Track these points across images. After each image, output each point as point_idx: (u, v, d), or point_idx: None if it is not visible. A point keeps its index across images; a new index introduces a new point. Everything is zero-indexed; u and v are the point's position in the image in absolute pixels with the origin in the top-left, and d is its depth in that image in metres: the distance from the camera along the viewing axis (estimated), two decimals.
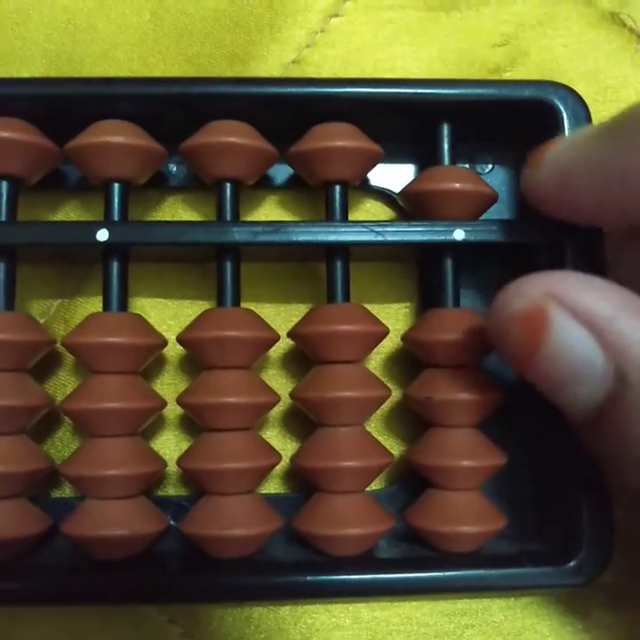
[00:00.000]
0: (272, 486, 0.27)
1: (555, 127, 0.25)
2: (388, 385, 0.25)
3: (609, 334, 0.17)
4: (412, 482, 0.26)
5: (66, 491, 0.26)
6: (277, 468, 0.25)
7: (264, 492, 0.27)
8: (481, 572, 0.23)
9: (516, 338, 0.19)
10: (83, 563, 0.23)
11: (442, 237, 0.24)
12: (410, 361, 0.27)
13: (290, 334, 0.25)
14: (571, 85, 0.26)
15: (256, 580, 0.23)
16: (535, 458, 0.26)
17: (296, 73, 0.28)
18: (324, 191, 0.26)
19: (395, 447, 0.27)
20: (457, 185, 0.25)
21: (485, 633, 0.26)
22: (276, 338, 0.25)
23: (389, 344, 0.27)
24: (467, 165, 0.28)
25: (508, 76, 0.29)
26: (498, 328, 0.19)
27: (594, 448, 0.20)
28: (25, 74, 0.28)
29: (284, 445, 0.27)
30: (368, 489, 0.25)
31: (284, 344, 0.27)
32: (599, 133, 0.19)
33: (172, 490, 0.26)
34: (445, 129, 0.26)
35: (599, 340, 0.17)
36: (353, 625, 0.25)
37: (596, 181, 0.19)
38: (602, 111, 0.28)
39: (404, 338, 0.26)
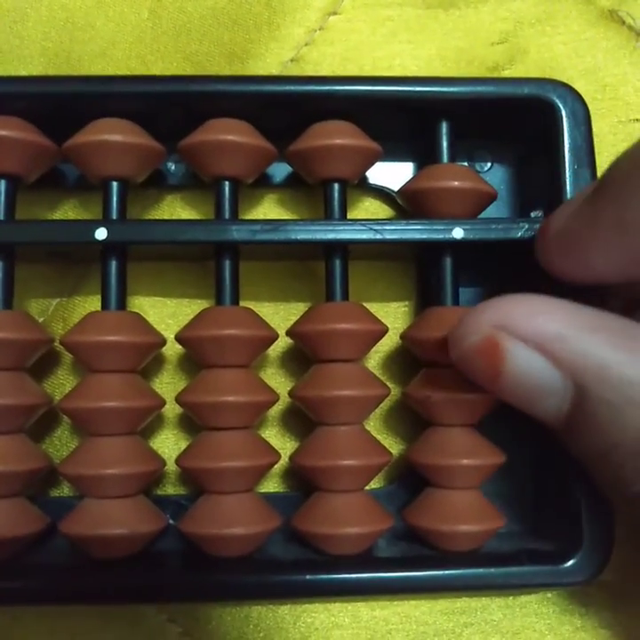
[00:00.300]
0: (271, 485, 0.27)
1: (554, 125, 0.25)
2: (387, 384, 0.25)
3: (559, 353, 0.19)
4: (411, 481, 0.26)
5: (64, 490, 0.26)
6: (276, 466, 0.25)
7: (263, 490, 0.26)
8: (480, 570, 0.23)
9: (476, 369, 0.20)
10: (81, 562, 0.23)
11: (441, 236, 0.24)
12: (409, 360, 0.27)
13: (289, 333, 0.25)
14: (570, 83, 0.26)
15: (255, 579, 0.23)
16: (534, 456, 0.26)
17: (295, 71, 0.28)
18: (322, 189, 0.26)
19: (394, 446, 0.27)
20: (456, 183, 0.25)
21: (484, 631, 0.26)
22: (274, 336, 0.25)
23: (388, 343, 0.27)
24: (466, 163, 0.28)
25: (506, 73, 0.29)
26: (459, 360, 0.21)
27: (573, 451, 0.21)
28: (23, 72, 0.28)
29: (283, 444, 0.27)
30: (367, 488, 0.25)
31: (283, 343, 0.27)
32: (593, 192, 0.19)
33: (171, 489, 0.26)
34: (444, 127, 0.26)
35: (552, 359, 0.19)
36: (352, 624, 0.25)
37: (597, 239, 0.19)
38: (601, 109, 0.28)
39: (402, 336, 0.26)
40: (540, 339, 0.19)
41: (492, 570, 0.24)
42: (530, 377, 0.19)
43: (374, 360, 0.27)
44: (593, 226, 0.19)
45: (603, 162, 0.25)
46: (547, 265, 0.21)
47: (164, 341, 0.25)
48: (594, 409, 0.18)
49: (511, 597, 0.26)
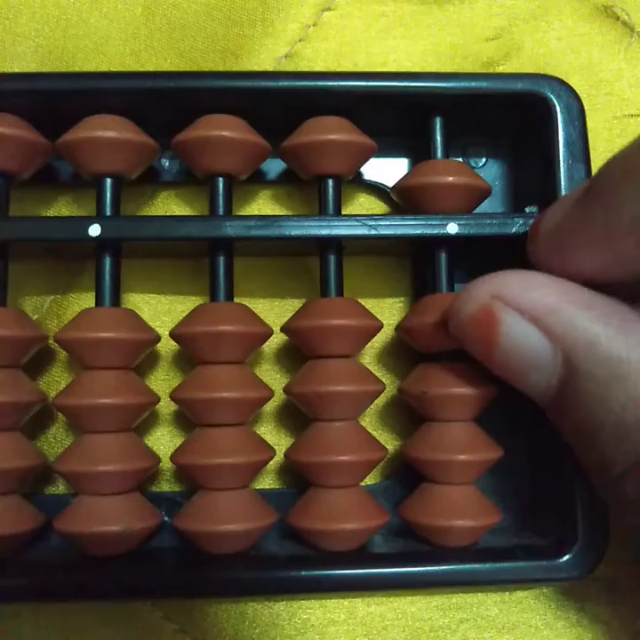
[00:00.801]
0: (266, 481, 0.27)
1: (548, 120, 0.25)
2: (382, 379, 0.25)
3: (552, 326, 0.19)
4: (407, 476, 0.26)
5: (59, 487, 0.26)
6: (271, 462, 0.25)
7: (258, 487, 0.26)
8: (476, 566, 0.23)
9: (472, 339, 0.21)
10: (76, 559, 0.23)
11: (435, 231, 0.24)
12: (404, 355, 0.27)
13: (283, 329, 0.25)
14: (564, 79, 0.26)
15: (250, 576, 0.23)
16: (530, 452, 0.26)
17: (289, 67, 0.28)
18: (317, 185, 0.26)
19: (389, 441, 0.27)
20: (450, 178, 0.25)
21: (480, 627, 0.26)
22: (269, 332, 0.25)
23: (383, 338, 0.27)
24: (460, 159, 0.28)
25: (501, 69, 0.29)
26: (456, 331, 0.21)
27: (561, 428, 0.21)
28: (16, 69, 0.28)
29: (279, 440, 0.27)
30: (362, 483, 0.25)
31: (278, 339, 0.27)
32: (583, 193, 0.20)
33: (165, 485, 0.26)
34: (439, 123, 0.26)
35: (545, 332, 0.19)
36: (348, 620, 0.25)
37: (585, 241, 0.19)
38: (596, 105, 0.28)
39: (397, 327, 0.26)
40: (534, 311, 0.19)
41: (488, 565, 0.24)
42: (522, 348, 0.20)
43: (369, 356, 0.27)
44: (581, 227, 0.19)
45: (597, 157, 0.25)
46: (536, 262, 0.22)
47: (158, 338, 0.25)
48: (581, 385, 0.19)
49: (507, 593, 0.26)
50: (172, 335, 0.25)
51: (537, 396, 0.20)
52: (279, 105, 0.25)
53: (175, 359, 0.27)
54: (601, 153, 0.27)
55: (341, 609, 0.26)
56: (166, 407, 0.27)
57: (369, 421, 0.27)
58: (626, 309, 0.19)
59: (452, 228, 0.24)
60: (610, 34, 0.29)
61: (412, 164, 0.28)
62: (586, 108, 0.25)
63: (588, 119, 0.25)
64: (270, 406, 0.27)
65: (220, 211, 0.25)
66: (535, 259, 0.22)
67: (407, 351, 0.26)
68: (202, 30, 0.28)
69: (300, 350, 0.25)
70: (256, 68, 0.28)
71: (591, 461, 0.20)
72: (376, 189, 0.28)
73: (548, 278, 0.20)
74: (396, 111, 0.26)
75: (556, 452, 0.24)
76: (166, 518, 0.25)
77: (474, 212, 0.26)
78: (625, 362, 0.18)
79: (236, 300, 0.25)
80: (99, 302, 0.24)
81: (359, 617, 0.26)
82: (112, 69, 0.28)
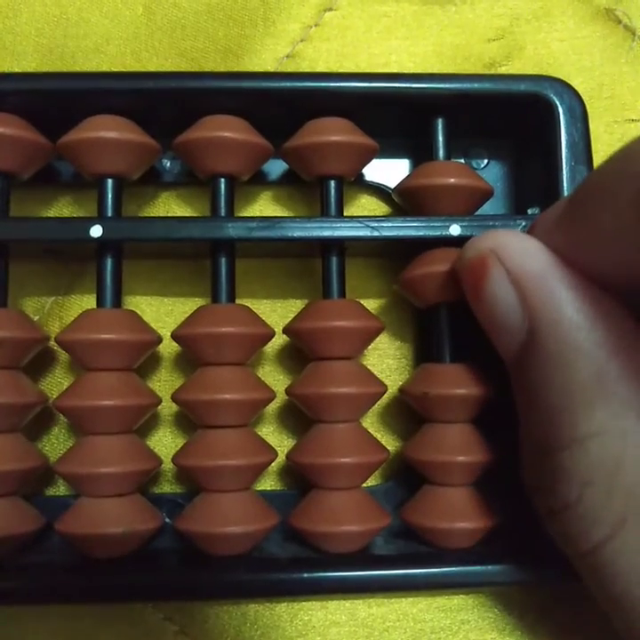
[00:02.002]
0: (268, 483, 0.27)
1: (550, 122, 0.25)
2: (384, 381, 0.25)
3: (528, 293, 0.20)
4: (408, 478, 0.26)
5: (60, 489, 0.26)
6: (273, 464, 0.25)
7: (260, 488, 0.26)
8: (477, 568, 0.23)
9: (465, 282, 0.22)
10: (77, 561, 0.23)
11: (438, 233, 0.24)
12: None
13: (285, 330, 0.25)
14: (566, 80, 0.25)
15: (252, 578, 0.23)
16: None
17: (290, 67, 0.28)
18: (318, 186, 0.26)
19: (390, 443, 0.27)
20: (452, 180, 0.25)
21: (482, 628, 0.26)
22: (271, 334, 0.25)
23: (386, 340, 0.27)
24: (462, 160, 0.28)
25: (503, 70, 0.29)
26: (459, 269, 0.23)
27: (514, 395, 0.22)
28: (16, 68, 0.27)
29: (280, 442, 0.27)
30: (364, 485, 0.25)
31: (280, 340, 0.27)
32: (568, 203, 0.20)
33: (167, 487, 0.26)
34: (440, 124, 0.26)
35: (520, 296, 0.20)
36: (349, 621, 0.25)
37: (573, 248, 0.20)
38: (597, 108, 0.28)
39: (398, 280, 0.26)
40: (518, 274, 0.20)
41: (490, 567, 0.24)
42: (499, 305, 0.21)
43: (371, 357, 0.27)
44: (569, 234, 0.20)
45: (598, 161, 0.25)
46: None
47: (160, 339, 0.25)
48: (536, 358, 0.20)
49: (509, 594, 0.26)
50: (174, 336, 0.24)
51: (503, 354, 0.21)
52: (281, 106, 0.25)
53: (177, 360, 0.27)
54: (601, 157, 0.27)
55: (343, 610, 0.25)
56: (168, 408, 0.27)
57: (370, 422, 0.27)
58: (613, 307, 0.19)
59: (455, 230, 0.24)
60: (611, 37, 0.29)
61: (414, 165, 0.28)
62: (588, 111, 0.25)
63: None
64: (272, 408, 0.27)
65: (222, 212, 0.25)
66: None
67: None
68: (203, 30, 0.28)
69: (302, 352, 0.25)
70: (257, 68, 0.28)
71: (531, 438, 0.21)
72: (378, 190, 0.28)
73: (545, 249, 0.20)
74: (397, 112, 0.26)
75: None
76: (168, 520, 0.25)
77: (476, 213, 0.26)
78: (578, 350, 0.19)
79: (238, 301, 0.25)
80: (100, 303, 0.24)
81: (361, 618, 0.25)
82: (113, 69, 0.28)
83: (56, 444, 0.26)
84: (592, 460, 0.19)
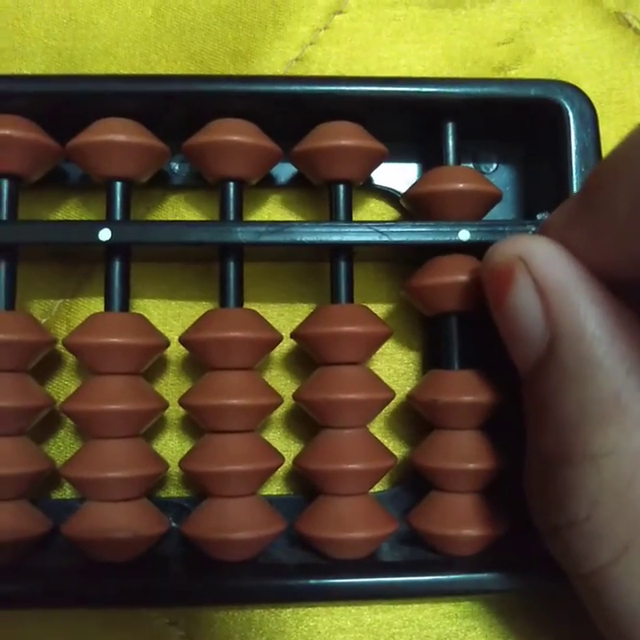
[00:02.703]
0: (274, 488, 0.27)
1: (560, 127, 0.25)
2: (392, 387, 0.25)
3: (552, 304, 0.19)
4: (415, 484, 0.26)
5: (66, 492, 0.26)
6: (280, 469, 0.25)
7: (266, 493, 0.26)
8: (484, 575, 0.23)
9: (489, 287, 0.21)
10: (83, 565, 0.23)
11: (447, 238, 0.24)
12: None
13: (293, 335, 0.25)
14: (576, 84, 0.25)
15: (258, 584, 0.23)
16: None
17: (299, 70, 0.28)
18: (327, 190, 0.25)
19: (397, 449, 0.27)
20: (461, 185, 0.25)
21: (488, 635, 0.25)
22: (279, 338, 0.25)
23: (394, 345, 0.27)
24: (471, 165, 0.27)
25: (512, 74, 0.29)
26: (482, 274, 0.22)
27: (525, 406, 0.21)
28: (25, 70, 0.27)
29: (287, 447, 0.27)
30: (371, 491, 0.25)
31: (288, 345, 0.27)
32: (580, 194, 0.20)
33: (173, 491, 0.26)
34: (450, 128, 0.26)
35: (545, 308, 0.19)
36: (355, 628, 0.25)
37: (587, 240, 0.20)
38: (607, 112, 0.28)
39: (404, 287, 0.25)
40: (545, 284, 0.20)
41: (497, 574, 0.23)
42: (521, 315, 0.20)
43: (379, 363, 0.27)
44: (582, 226, 0.20)
45: None
46: None
47: (167, 343, 0.25)
48: (552, 371, 0.19)
49: (516, 601, 0.26)
50: (182, 341, 0.24)
51: (519, 364, 0.21)
52: (290, 109, 0.25)
53: (184, 365, 0.27)
54: None
55: (348, 616, 0.25)
56: (175, 413, 0.26)
57: (377, 428, 0.27)
58: (633, 320, 0.19)
59: (464, 235, 0.24)
60: (621, 41, 0.29)
61: (423, 170, 0.28)
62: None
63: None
64: (279, 413, 0.27)
65: (231, 216, 0.25)
66: None
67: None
68: (212, 32, 0.28)
69: (310, 357, 0.25)
70: (266, 71, 0.28)
71: (540, 451, 0.20)
72: (386, 194, 0.28)
73: (572, 259, 0.20)
74: (406, 116, 0.26)
75: None
76: (174, 525, 0.25)
77: (484, 217, 0.25)
78: (597, 367, 0.18)
79: (246, 305, 0.25)
80: (108, 307, 0.24)
81: (366, 624, 0.25)
82: (122, 71, 0.28)
83: (62, 447, 0.26)
84: (603, 478, 0.18)
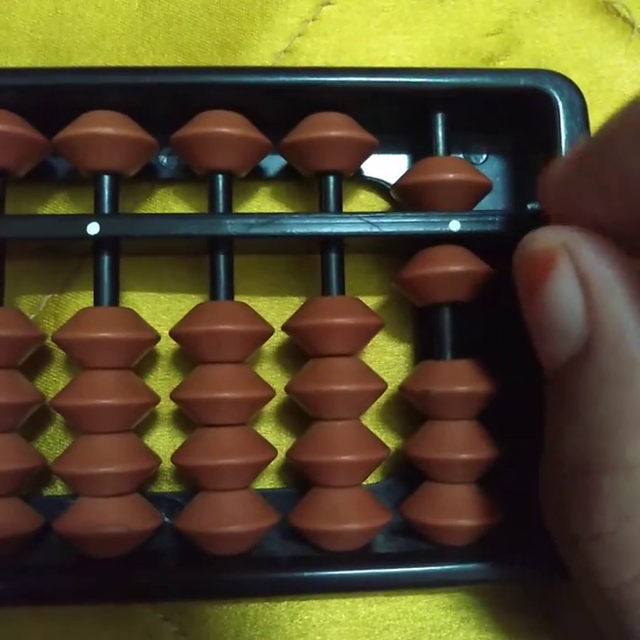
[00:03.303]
0: (267, 481, 0.27)
1: (550, 116, 0.25)
2: (384, 378, 0.25)
3: (595, 299, 0.18)
4: (408, 475, 0.26)
5: (58, 489, 0.26)
6: (273, 462, 0.25)
7: (259, 486, 0.26)
8: (478, 565, 0.23)
9: (524, 275, 0.20)
10: (76, 561, 0.23)
11: (437, 228, 0.24)
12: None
13: (284, 328, 0.25)
14: (565, 74, 0.25)
15: (252, 577, 0.23)
16: (534, 450, 0.26)
17: (288, 62, 0.28)
18: (317, 182, 0.25)
19: (390, 440, 0.27)
20: (451, 176, 0.24)
21: (483, 626, 0.25)
22: (270, 331, 0.25)
23: (385, 337, 0.27)
24: (461, 155, 0.27)
25: (501, 64, 0.28)
26: (516, 260, 0.20)
27: (549, 408, 0.20)
28: (11, 64, 0.27)
29: (280, 440, 0.27)
30: (364, 482, 0.25)
31: (279, 337, 0.27)
32: (585, 147, 0.19)
33: (166, 486, 0.26)
34: (439, 118, 0.26)
35: (587, 302, 0.18)
36: (349, 620, 0.25)
37: (592, 192, 0.19)
38: (596, 101, 0.28)
39: (396, 278, 0.25)
40: (589, 277, 0.18)
41: (490, 564, 0.23)
42: (559, 306, 0.19)
43: (371, 354, 0.27)
44: (587, 179, 0.19)
45: None
46: (550, 213, 0.21)
47: (157, 337, 0.25)
48: (587, 369, 0.18)
49: (510, 592, 0.26)
50: (172, 334, 0.24)
51: (546, 361, 0.20)
52: (278, 101, 0.25)
53: (175, 358, 0.27)
54: None
55: (343, 609, 0.25)
56: (166, 407, 0.26)
57: (370, 420, 0.27)
58: None
59: (455, 226, 0.24)
60: (610, 30, 0.29)
61: (413, 160, 0.27)
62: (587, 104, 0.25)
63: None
64: (271, 406, 0.27)
65: (220, 208, 0.24)
66: (549, 210, 0.21)
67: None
68: (199, 24, 0.28)
69: (302, 349, 0.25)
70: (254, 63, 0.28)
71: (565, 456, 0.19)
72: (376, 186, 0.28)
73: (621, 256, 0.19)
74: (396, 107, 0.26)
75: None
76: (167, 519, 0.25)
77: (474, 208, 0.25)
78: (637, 369, 0.17)
79: (236, 298, 0.25)
80: (97, 301, 0.24)
81: (361, 617, 0.25)
82: (108, 64, 0.27)
83: (53, 443, 0.26)
84: (636, 491, 0.17)
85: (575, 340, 0.18)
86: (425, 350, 0.27)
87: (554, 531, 0.20)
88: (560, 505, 0.19)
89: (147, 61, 0.28)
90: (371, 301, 0.27)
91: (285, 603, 0.25)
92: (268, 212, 0.27)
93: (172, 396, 0.24)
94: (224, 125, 0.24)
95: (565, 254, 0.19)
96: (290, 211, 0.27)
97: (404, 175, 0.26)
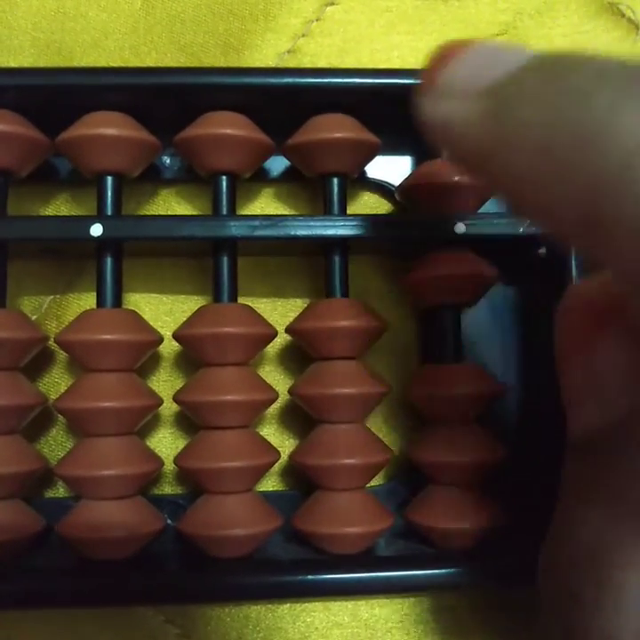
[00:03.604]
0: (270, 483, 0.26)
1: None
2: (387, 381, 0.25)
3: None
4: (411, 478, 0.26)
5: (60, 491, 0.26)
6: (276, 465, 0.25)
7: (262, 489, 0.26)
8: (481, 568, 0.23)
9: (572, 332, 0.18)
10: (78, 564, 0.23)
11: (443, 231, 0.24)
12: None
13: (288, 330, 0.25)
14: None
15: (255, 580, 0.23)
16: (537, 453, 0.26)
17: (291, 63, 0.28)
18: (320, 184, 0.25)
19: (392, 443, 0.27)
20: (456, 178, 0.24)
21: (485, 630, 0.25)
22: (273, 333, 0.25)
23: (389, 339, 0.27)
24: None
25: None
26: (562, 313, 0.19)
27: (565, 477, 0.18)
28: (13, 64, 0.27)
29: (283, 442, 0.26)
30: (367, 485, 0.25)
31: (282, 340, 0.27)
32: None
33: (168, 489, 0.26)
34: None
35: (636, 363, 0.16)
36: (351, 623, 0.25)
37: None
38: None
39: (400, 280, 0.25)
40: None
41: (493, 568, 0.23)
42: (607, 367, 0.17)
43: (375, 357, 0.27)
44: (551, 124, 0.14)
45: None
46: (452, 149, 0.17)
47: (160, 339, 0.24)
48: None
49: (513, 595, 0.26)
50: (176, 336, 0.24)
51: (575, 424, 0.18)
52: (282, 102, 0.25)
53: (178, 361, 0.27)
54: None
55: (345, 612, 0.25)
56: (169, 409, 0.26)
57: (373, 422, 0.27)
58: None
59: (460, 228, 0.24)
60: (615, 31, 0.29)
61: (417, 162, 0.27)
62: None
63: None
64: (274, 408, 0.27)
65: (224, 210, 0.24)
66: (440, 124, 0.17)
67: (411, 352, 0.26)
68: (203, 24, 0.28)
69: (305, 352, 0.25)
70: (258, 64, 0.28)
71: (578, 536, 0.17)
72: (380, 187, 0.27)
73: None
74: (400, 108, 0.26)
75: (564, 452, 0.24)
76: (169, 522, 0.25)
77: (479, 211, 0.25)
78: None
79: (240, 300, 0.25)
80: (100, 303, 0.24)
81: (363, 619, 0.25)
82: (111, 64, 0.27)
83: (55, 445, 0.26)
84: None
85: (612, 405, 0.16)
86: (428, 353, 0.27)
87: (547, 611, 0.18)
88: (562, 582, 0.17)
89: (149, 61, 0.27)
90: (375, 304, 0.26)
91: (288, 605, 0.25)
92: (271, 213, 0.27)
93: (175, 399, 0.24)
94: (228, 126, 0.24)
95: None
96: (293, 212, 0.27)
97: (408, 177, 0.26)
